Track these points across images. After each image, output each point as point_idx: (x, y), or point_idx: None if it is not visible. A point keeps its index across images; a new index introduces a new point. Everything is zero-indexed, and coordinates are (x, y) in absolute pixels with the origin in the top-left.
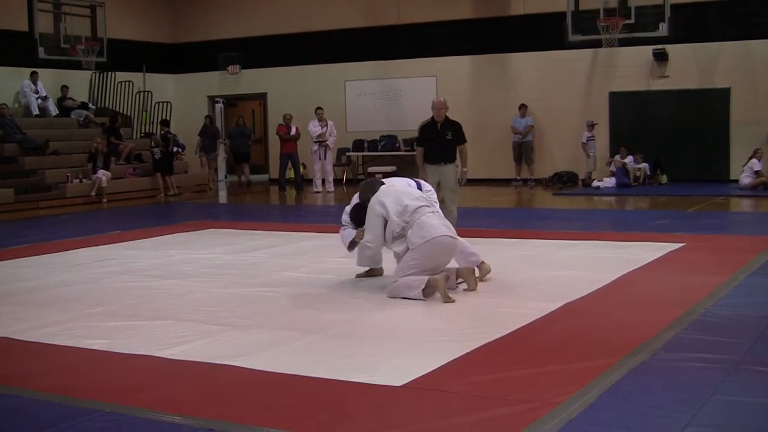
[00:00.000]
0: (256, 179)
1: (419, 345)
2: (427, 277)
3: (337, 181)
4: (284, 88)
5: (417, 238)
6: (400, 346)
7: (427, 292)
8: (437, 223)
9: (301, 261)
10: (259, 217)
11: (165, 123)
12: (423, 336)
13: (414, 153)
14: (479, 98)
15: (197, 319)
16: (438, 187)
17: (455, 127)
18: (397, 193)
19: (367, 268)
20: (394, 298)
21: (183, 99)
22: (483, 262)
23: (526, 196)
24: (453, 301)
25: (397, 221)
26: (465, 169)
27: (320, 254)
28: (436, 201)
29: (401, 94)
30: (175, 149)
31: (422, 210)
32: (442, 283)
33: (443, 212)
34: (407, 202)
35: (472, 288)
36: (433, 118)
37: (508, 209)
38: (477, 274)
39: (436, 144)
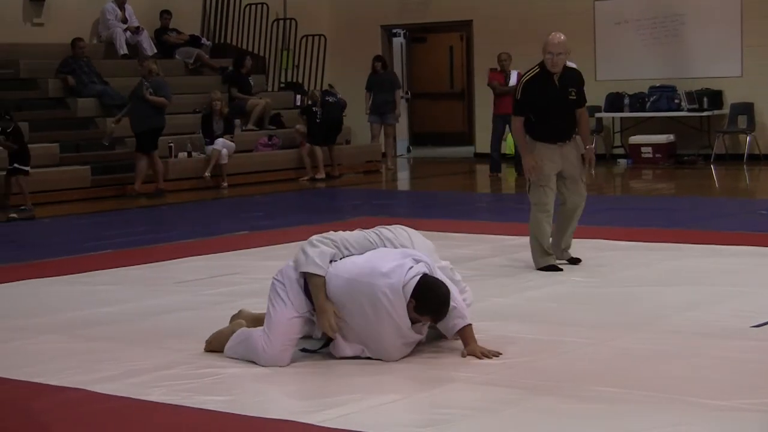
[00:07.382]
0: (453, 153)
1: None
2: None
3: None
4: (498, 11)
5: None
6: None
7: None
8: None
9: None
10: (461, 213)
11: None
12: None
13: None
14: None
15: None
16: (555, 179)
17: (578, 80)
18: None
19: None
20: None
21: (344, 31)
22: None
23: None
24: None
25: None
26: (589, 147)
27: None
28: None
29: (684, 20)
30: None
31: None
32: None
33: (562, 218)
34: None
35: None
36: (541, 67)
37: None
38: None
39: (554, 110)
